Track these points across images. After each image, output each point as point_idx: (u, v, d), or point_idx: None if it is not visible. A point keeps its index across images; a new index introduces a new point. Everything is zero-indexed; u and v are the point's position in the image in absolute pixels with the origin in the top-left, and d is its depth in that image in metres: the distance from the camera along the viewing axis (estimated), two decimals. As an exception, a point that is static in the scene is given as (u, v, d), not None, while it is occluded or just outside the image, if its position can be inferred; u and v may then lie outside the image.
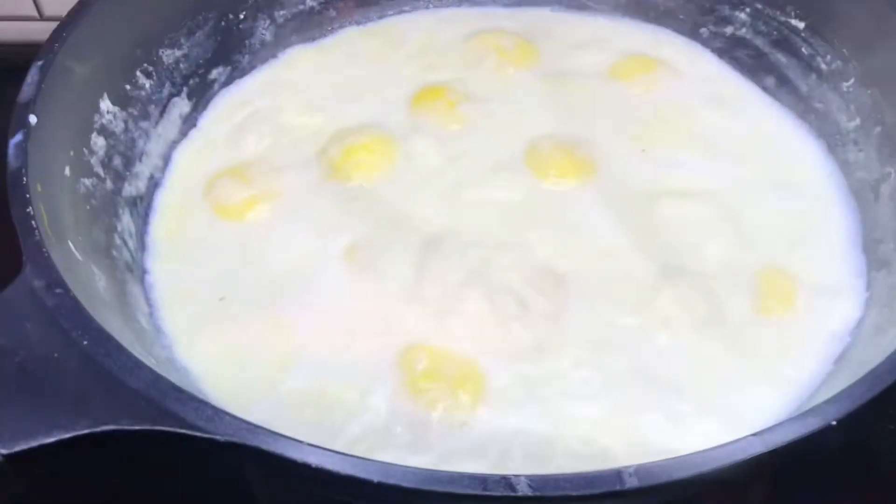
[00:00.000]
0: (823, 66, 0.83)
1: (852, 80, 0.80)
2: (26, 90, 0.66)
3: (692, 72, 0.91)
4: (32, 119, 0.64)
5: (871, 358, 0.59)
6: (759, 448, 0.48)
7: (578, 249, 0.74)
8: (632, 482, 0.46)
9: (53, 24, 1.19)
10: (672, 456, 0.47)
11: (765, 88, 0.89)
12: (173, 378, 0.63)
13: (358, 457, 0.47)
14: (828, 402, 0.50)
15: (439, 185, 0.80)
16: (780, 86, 0.88)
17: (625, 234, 0.75)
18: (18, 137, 0.63)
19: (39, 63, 0.69)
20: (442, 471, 0.47)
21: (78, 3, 0.74)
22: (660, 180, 0.80)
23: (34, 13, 1.08)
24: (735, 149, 0.82)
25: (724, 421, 0.64)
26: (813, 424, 0.49)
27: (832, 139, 0.82)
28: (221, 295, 0.72)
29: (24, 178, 0.61)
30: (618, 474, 0.46)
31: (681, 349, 0.68)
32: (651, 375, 0.66)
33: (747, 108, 0.88)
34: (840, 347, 0.68)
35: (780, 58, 0.88)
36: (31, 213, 0.59)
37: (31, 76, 0.67)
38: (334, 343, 0.68)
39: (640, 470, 0.46)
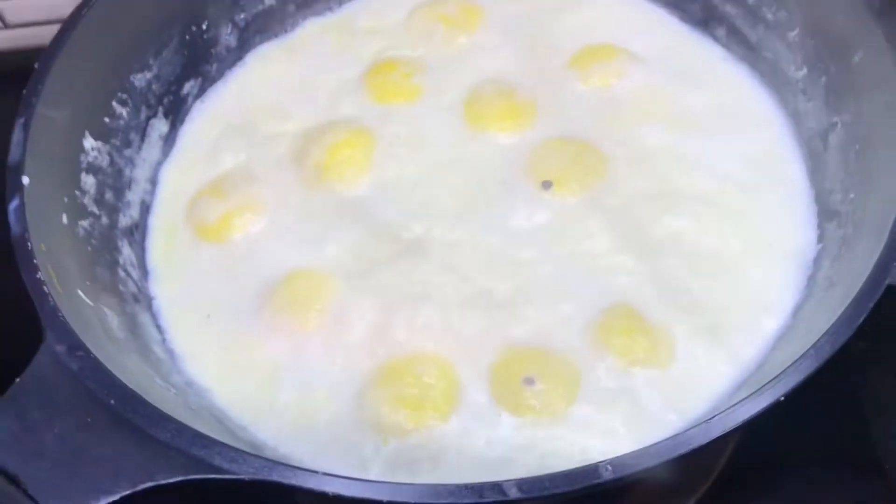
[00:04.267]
0: (770, 16, 0.86)
1: (797, 30, 0.83)
2: (14, 151, 0.70)
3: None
4: (25, 180, 0.68)
5: (822, 315, 0.64)
6: (717, 431, 0.54)
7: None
8: (608, 474, 0.53)
9: (18, 32, 1.23)
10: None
11: (716, 38, 0.92)
12: (193, 402, 0.70)
13: (366, 480, 0.54)
14: (777, 378, 0.56)
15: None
16: (730, 36, 0.91)
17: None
18: (15, 202, 0.67)
19: (21, 121, 0.71)
20: (441, 485, 0.53)
21: (46, 51, 0.76)
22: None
23: (-2, 23, 1.09)
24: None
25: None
26: (764, 401, 0.55)
27: (783, 89, 0.86)
28: (207, 312, 0.78)
29: (29, 243, 0.65)
30: (595, 469, 0.53)
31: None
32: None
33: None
34: (798, 299, 0.73)
35: (730, 9, 0.90)
36: (41, 278, 0.63)
37: (16, 136, 0.70)
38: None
39: (614, 462, 0.53)
